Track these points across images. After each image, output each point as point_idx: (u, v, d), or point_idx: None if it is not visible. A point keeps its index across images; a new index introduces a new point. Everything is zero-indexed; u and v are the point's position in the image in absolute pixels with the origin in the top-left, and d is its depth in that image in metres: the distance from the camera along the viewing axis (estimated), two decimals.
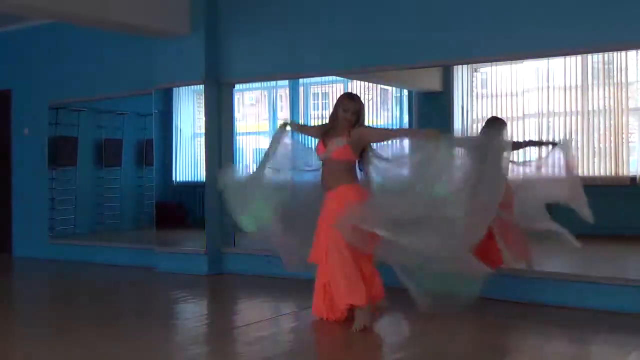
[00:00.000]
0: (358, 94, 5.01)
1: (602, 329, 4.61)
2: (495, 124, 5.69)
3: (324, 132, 4.88)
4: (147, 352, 4.22)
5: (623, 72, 7.93)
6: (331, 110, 4.91)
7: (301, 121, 9.52)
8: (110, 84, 7.88)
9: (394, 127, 8.28)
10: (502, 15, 5.47)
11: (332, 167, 4.76)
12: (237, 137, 8.41)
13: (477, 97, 8.18)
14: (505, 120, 6.34)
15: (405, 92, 8.30)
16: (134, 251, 7.72)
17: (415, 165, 4.73)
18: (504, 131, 5.70)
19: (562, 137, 5.48)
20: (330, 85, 9.28)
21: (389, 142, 5.06)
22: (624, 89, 7.96)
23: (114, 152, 9.19)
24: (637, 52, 7.30)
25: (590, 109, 8.11)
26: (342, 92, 5.58)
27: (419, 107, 7.89)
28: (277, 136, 5.23)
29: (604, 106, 8.06)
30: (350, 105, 4.76)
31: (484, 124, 5.88)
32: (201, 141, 7.34)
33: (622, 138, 8.04)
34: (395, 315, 5.05)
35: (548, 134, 8.31)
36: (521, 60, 7.35)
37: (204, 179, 7.05)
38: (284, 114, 9.93)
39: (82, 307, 5.76)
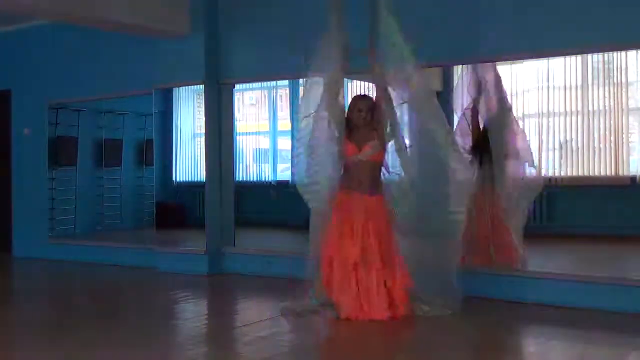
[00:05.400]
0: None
1: (602, 329, 4.61)
2: None
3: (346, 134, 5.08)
4: (148, 352, 4.22)
5: (623, 72, 7.92)
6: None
7: None
8: (110, 84, 7.88)
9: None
10: (502, 16, 5.46)
11: (367, 168, 4.99)
12: (237, 137, 8.41)
13: None
14: None
15: None
16: (134, 251, 7.71)
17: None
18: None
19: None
20: None
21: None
22: (624, 89, 7.95)
23: (114, 152, 9.19)
24: (637, 52, 7.29)
25: (590, 109, 8.10)
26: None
27: None
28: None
29: (604, 106, 8.05)
30: (363, 104, 5.06)
31: None
32: (201, 141, 7.34)
33: (622, 138, 8.04)
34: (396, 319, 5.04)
35: (548, 134, 8.31)
36: (521, 60, 7.34)
37: (204, 179, 7.05)
38: (284, 114, 9.93)
39: (82, 307, 5.77)
